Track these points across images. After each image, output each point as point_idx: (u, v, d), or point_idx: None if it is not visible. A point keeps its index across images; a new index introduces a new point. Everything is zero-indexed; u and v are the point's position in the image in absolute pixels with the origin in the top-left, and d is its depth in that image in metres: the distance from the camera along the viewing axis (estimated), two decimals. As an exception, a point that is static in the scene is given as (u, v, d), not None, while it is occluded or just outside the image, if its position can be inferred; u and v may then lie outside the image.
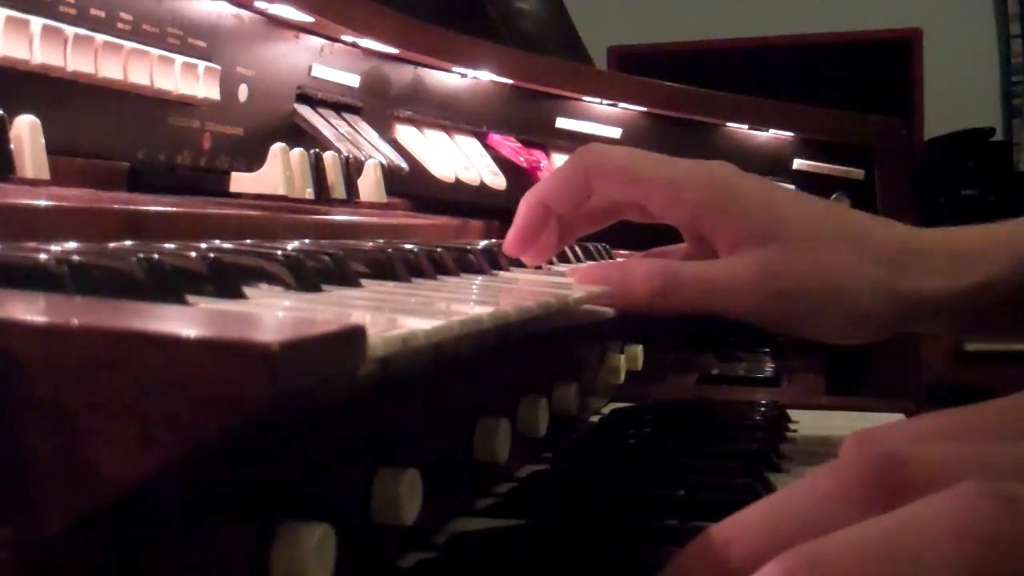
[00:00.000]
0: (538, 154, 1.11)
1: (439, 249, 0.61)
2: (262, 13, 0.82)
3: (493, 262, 0.69)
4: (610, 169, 0.69)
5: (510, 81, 1.10)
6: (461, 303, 0.48)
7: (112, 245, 0.46)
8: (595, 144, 0.72)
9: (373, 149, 0.92)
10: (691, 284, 0.65)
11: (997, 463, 0.32)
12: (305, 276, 0.45)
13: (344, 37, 0.93)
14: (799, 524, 0.32)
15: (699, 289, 0.65)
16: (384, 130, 1.00)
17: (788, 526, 0.32)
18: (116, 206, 0.58)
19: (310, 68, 0.89)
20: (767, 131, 1.18)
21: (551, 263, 0.75)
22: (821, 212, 0.69)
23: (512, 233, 0.70)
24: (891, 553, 0.29)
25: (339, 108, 0.94)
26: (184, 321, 0.29)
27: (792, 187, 1.12)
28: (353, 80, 0.96)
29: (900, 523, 0.29)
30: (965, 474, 0.30)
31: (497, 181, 1.05)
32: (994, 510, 0.28)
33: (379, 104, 1.00)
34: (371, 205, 0.89)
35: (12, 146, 0.55)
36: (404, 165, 0.96)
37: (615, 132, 1.14)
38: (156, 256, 0.38)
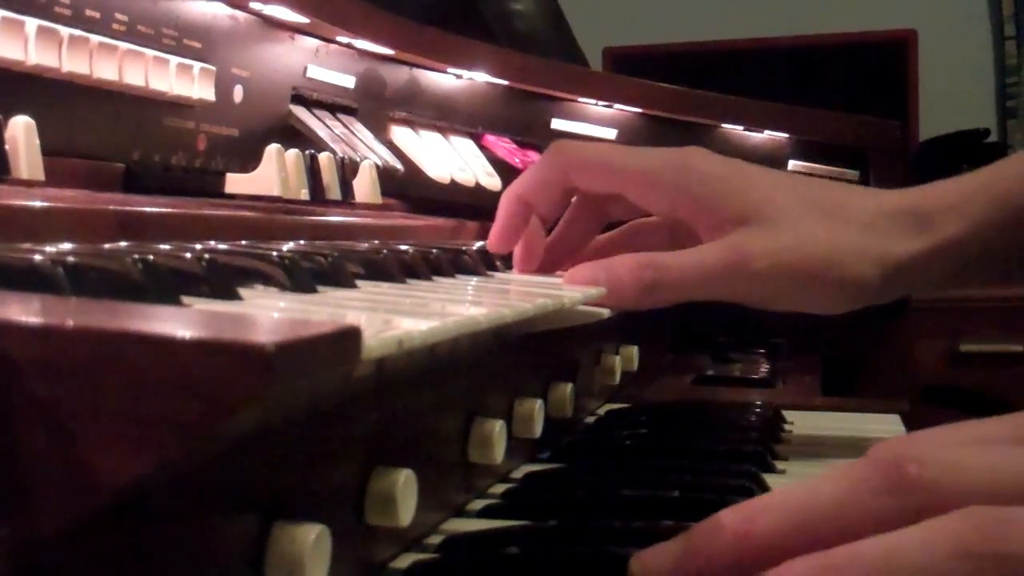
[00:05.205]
0: (533, 155, 1.11)
1: (434, 250, 0.61)
2: (257, 14, 0.82)
3: (488, 263, 0.69)
4: (588, 162, 0.69)
5: (505, 82, 1.10)
6: (456, 304, 0.48)
7: (107, 246, 0.46)
8: (569, 140, 0.72)
9: (368, 150, 0.92)
10: (678, 274, 0.65)
11: (1008, 467, 0.34)
12: (300, 277, 0.45)
13: (339, 38, 0.93)
14: (816, 510, 0.35)
15: (687, 278, 0.65)
16: (379, 131, 1.00)
17: (805, 510, 0.36)
18: (111, 207, 0.57)
19: (305, 69, 0.89)
20: (762, 132, 1.18)
21: None
22: (795, 186, 0.69)
23: (494, 230, 0.70)
24: (897, 567, 0.32)
25: (334, 109, 0.94)
26: (179, 322, 0.29)
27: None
28: (348, 81, 0.96)
29: (907, 540, 0.33)
30: (975, 476, 0.34)
31: (492, 182, 1.05)
32: (991, 531, 0.32)
33: (374, 105, 1.00)
34: (366, 206, 0.89)
35: (7, 147, 0.55)
36: (399, 166, 0.96)
37: (610, 133, 1.14)
38: (151, 257, 0.38)
